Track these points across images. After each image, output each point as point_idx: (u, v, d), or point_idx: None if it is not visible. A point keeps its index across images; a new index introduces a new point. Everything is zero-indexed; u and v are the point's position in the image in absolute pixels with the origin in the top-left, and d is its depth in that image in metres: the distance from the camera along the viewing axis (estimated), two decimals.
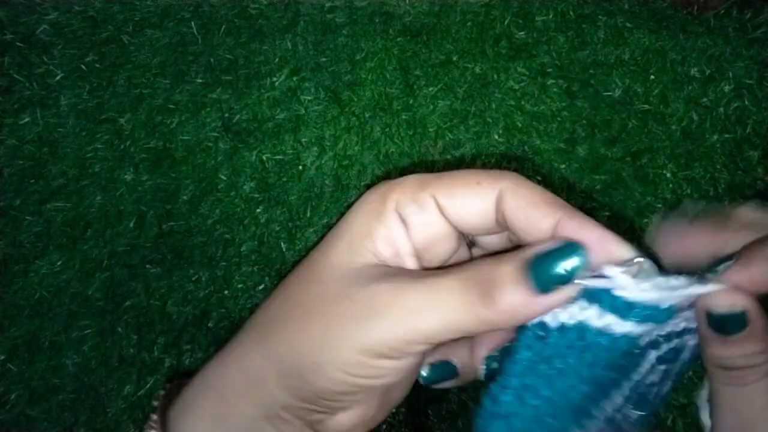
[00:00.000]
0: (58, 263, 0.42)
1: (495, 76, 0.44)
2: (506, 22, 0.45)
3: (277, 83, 0.44)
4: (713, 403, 0.26)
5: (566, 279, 0.23)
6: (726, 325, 0.24)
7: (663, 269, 0.24)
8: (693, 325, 0.26)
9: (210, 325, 0.42)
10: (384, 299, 0.24)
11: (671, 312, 0.24)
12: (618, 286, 0.23)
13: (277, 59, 0.44)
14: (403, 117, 0.44)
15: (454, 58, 0.44)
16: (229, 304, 0.42)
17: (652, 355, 0.26)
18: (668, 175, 0.43)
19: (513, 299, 0.23)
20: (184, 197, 0.43)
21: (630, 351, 0.25)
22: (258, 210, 0.43)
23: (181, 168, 0.43)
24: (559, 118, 0.44)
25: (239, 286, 0.43)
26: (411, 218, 0.26)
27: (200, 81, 0.44)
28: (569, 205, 0.24)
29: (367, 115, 0.44)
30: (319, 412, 0.26)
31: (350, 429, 0.27)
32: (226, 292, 0.43)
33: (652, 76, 0.44)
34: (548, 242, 0.23)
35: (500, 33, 0.45)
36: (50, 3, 0.44)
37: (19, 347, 0.41)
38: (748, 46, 0.44)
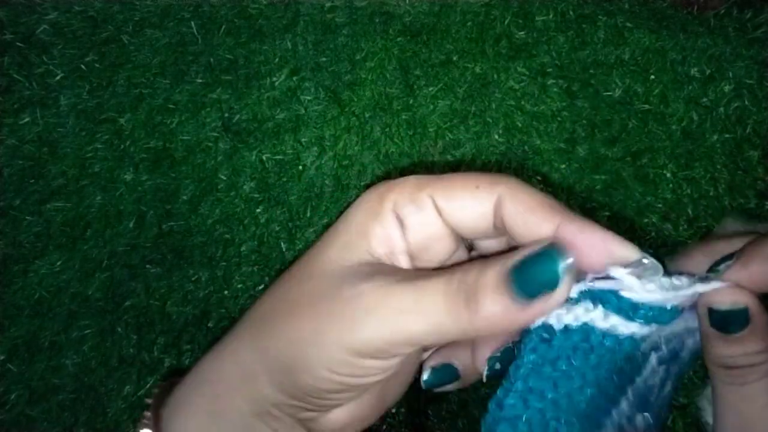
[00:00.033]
0: (58, 263, 0.42)
1: (495, 76, 0.44)
2: (506, 22, 0.45)
3: (277, 83, 0.44)
4: (714, 403, 0.26)
5: (550, 285, 0.22)
6: (728, 322, 0.25)
7: (666, 270, 0.24)
8: (691, 324, 0.26)
9: (210, 325, 0.42)
10: (371, 299, 0.24)
11: (675, 312, 0.24)
12: (624, 287, 0.22)
13: (277, 59, 0.44)
14: (403, 117, 0.44)
15: (454, 58, 0.44)
16: (229, 304, 0.42)
17: (653, 356, 0.26)
18: (668, 175, 0.43)
19: (494, 308, 0.22)
20: (184, 197, 0.43)
21: (633, 354, 0.25)
22: (258, 210, 0.43)
23: (181, 168, 0.43)
24: (559, 118, 0.44)
25: (239, 286, 0.43)
26: (408, 219, 0.26)
27: (200, 81, 0.44)
28: (569, 210, 0.24)
29: (367, 115, 0.44)
30: (309, 410, 0.26)
31: (343, 427, 0.27)
32: (226, 292, 0.43)
33: (653, 76, 0.44)
34: (530, 246, 0.23)
35: (500, 33, 0.45)
36: (50, 3, 0.44)
37: (19, 347, 0.41)
38: (748, 46, 0.44)
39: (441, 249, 0.27)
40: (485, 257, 0.29)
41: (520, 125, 0.44)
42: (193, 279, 0.42)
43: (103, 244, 0.42)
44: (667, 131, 0.43)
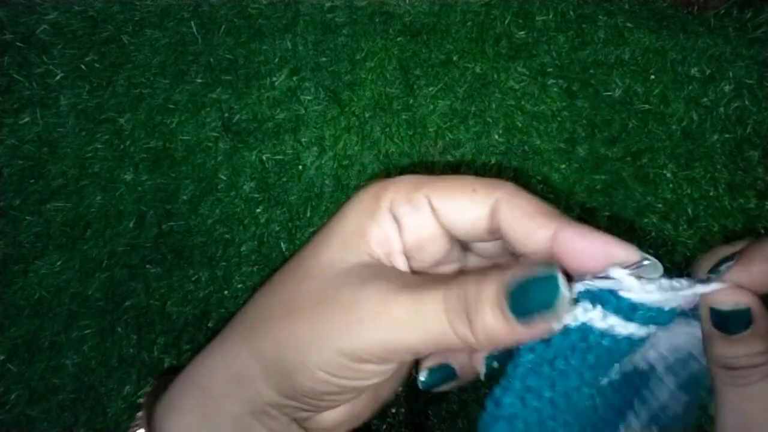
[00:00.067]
0: (58, 263, 0.42)
1: (495, 75, 0.44)
2: (506, 22, 0.45)
3: (277, 83, 0.44)
4: (715, 403, 0.26)
5: (549, 310, 0.22)
6: (730, 323, 0.24)
7: (666, 271, 0.24)
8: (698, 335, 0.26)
9: (210, 325, 0.42)
10: (369, 307, 0.23)
11: (673, 314, 0.24)
12: (623, 287, 0.22)
13: (277, 59, 0.44)
14: (403, 117, 0.44)
15: (454, 58, 0.44)
16: (229, 304, 0.42)
17: (670, 380, 0.26)
18: (668, 175, 0.43)
19: (492, 326, 0.22)
20: (184, 197, 0.43)
21: (641, 369, 0.25)
22: (258, 210, 0.43)
23: (181, 168, 0.43)
24: (559, 118, 0.44)
25: (239, 286, 0.43)
26: (404, 218, 0.26)
27: (200, 81, 0.44)
28: (566, 216, 0.24)
29: (367, 115, 0.44)
30: (306, 410, 0.26)
31: (337, 425, 0.27)
32: (226, 292, 0.42)
33: (653, 76, 0.44)
34: (528, 267, 0.23)
35: (500, 33, 0.45)
36: (50, 3, 0.44)
37: (19, 347, 0.41)
38: (748, 45, 0.44)
39: (436, 249, 0.27)
40: (482, 259, 0.29)
41: (520, 125, 0.44)
42: (193, 279, 0.42)
43: (103, 244, 0.42)
44: (667, 131, 0.43)
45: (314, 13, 0.45)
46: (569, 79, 0.44)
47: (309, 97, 0.44)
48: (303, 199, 0.43)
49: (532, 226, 0.24)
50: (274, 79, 0.44)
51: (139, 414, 0.28)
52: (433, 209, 0.26)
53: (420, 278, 0.25)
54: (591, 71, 0.44)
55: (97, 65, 0.44)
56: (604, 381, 0.26)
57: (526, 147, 0.44)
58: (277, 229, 0.43)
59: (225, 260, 0.43)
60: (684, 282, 0.24)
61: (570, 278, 0.23)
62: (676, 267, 0.42)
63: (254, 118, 0.44)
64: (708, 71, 0.44)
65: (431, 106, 0.44)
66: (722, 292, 0.24)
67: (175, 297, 0.42)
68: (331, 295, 0.24)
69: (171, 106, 0.43)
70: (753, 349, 0.24)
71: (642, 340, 0.24)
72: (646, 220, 0.43)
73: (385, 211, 0.26)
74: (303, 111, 0.44)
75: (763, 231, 0.42)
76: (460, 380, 0.28)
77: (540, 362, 0.24)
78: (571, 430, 0.25)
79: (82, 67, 0.43)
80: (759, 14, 0.44)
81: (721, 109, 0.43)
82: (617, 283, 0.23)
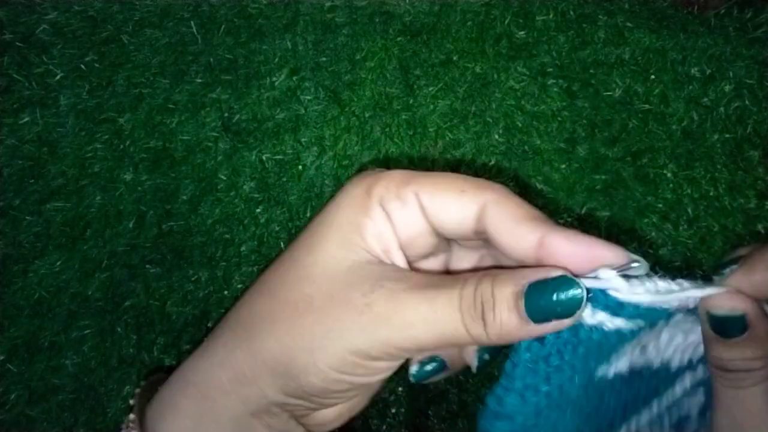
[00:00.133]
0: (58, 263, 0.42)
1: (495, 75, 0.44)
2: (506, 22, 0.45)
3: (276, 83, 0.44)
4: (712, 402, 0.26)
5: (561, 316, 0.23)
6: (726, 327, 0.25)
7: (662, 272, 0.24)
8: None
9: (210, 325, 0.42)
10: (382, 310, 0.24)
11: (663, 312, 0.24)
12: (612, 288, 0.23)
13: (276, 59, 0.44)
14: (403, 117, 0.44)
15: (454, 58, 0.44)
16: (229, 305, 0.42)
17: (687, 376, 0.27)
18: (669, 175, 0.43)
19: (507, 326, 0.23)
20: (184, 197, 0.43)
21: (658, 369, 0.25)
22: (258, 210, 0.43)
23: (180, 168, 0.43)
24: (559, 118, 0.44)
25: (239, 286, 0.43)
26: (394, 214, 0.26)
27: (200, 81, 0.44)
28: (552, 221, 0.24)
29: (367, 115, 0.44)
30: (311, 408, 0.26)
31: (334, 419, 0.28)
32: (226, 292, 0.42)
33: (653, 76, 0.44)
34: (545, 270, 0.23)
35: (500, 32, 0.45)
36: (50, 3, 0.44)
37: (19, 347, 0.41)
38: (748, 45, 0.44)
39: (424, 244, 0.27)
40: (467, 251, 0.29)
41: (520, 125, 0.44)
42: (193, 279, 0.42)
43: (103, 244, 0.42)
44: (667, 131, 0.43)
45: (314, 13, 0.45)
46: (569, 79, 0.44)
47: (309, 97, 0.44)
48: (303, 199, 0.43)
49: (519, 230, 0.24)
50: (274, 79, 0.44)
51: (131, 416, 0.28)
52: (420, 205, 0.26)
53: (428, 277, 0.25)
54: (591, 71, 0.44)
55: (97, 65, 0.44)
56: (604, 372, 0.26)
57: (526, 147, 0.44)
58: (277, 229, 0.43)
59: (225, 260, 0.43)
60: (685, 283, 0.24)
61: None
62: (676, 267, 0.42)
63: (254, 118, 0.44)
64: (708, 71, 0.44)
65: (431, 106, 0.44)
66: (719, 296, 0.25)
67: (175, 297, 0.42)
68: (342, 297, 0.24)
69: (171, 106, 0.43)
70: (748, 353, 0.25)
71: (632, 333, 0.25)
72: (646, 220, 0.43)
73: (377, 206, 0.26)
74: (303, 111, 0.44)
75: (763, 231, 0.42)
76: (449, 371, 0.29)
77: (536, 360, 0.25)
78: (564, 417, 0.25)
79: (82, 67, 0.43)
80: (759, 14, 0.44)
81: (722, 109, 0.43)
82: (605, 282, 0.23)
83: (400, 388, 0.42)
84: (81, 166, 0.43)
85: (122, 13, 0.44)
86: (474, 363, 0.28)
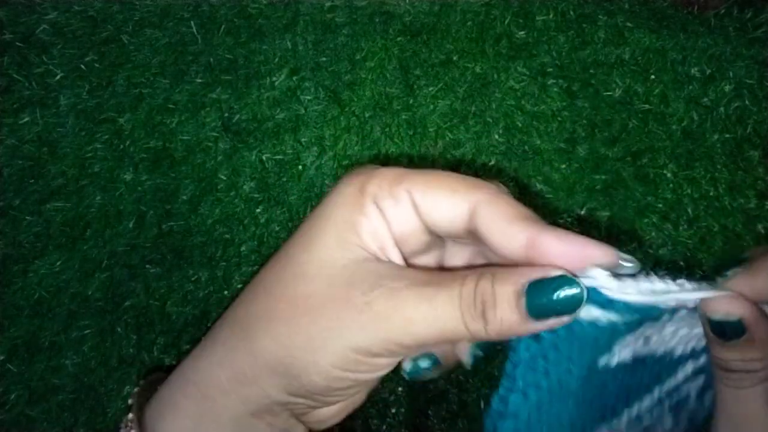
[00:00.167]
0: (58, 263, 0.42)
1: (495, 75, 0.44)
2: (506, 22, 0.45)
3: (276, 83, 0.44)
4: (715, 402, 0.27)
5: (560, 314, 0.23)
6: (724, 330, 0.25)
7: (663, 271, 0.24)
8: None
9: (210, 325, 0.42)
10: (382, 308, 0.24)
11: (657, 309, 0.25)
12: (603, 286, 0.24)
13: (276, 59, 0.44)
14: (403, 117, 0.44)
15: (454, 58, 0.44)
16: (229, 305, 0.42)
17: (689, 364, 0.27)
18: (669, 175, 0.43)
19: (508, 323, 0.23)
20: (184, 197, 0.43)
21: (662, 357, 0.26)
22: (258, 210, 0.43)
23: (180, 168, 0.43)
24: (559, 118, 0.44)
25: (239, 286, 0.43)
26: (387, 211, 0.26)
27: (200, 81, 0.44)
28: (544, 222, 0.25)
29: (367, 115, 0.44)
30: (313, 406, 0.26)
31: (333, 416, 0.28)
32: (225, 292, 0.42)
33: (653, 76, 0.44)
34: (544, 269, 0.24)
35: (500, 32, 0.45)
36: (50, 3, 0.44)
37: (19, 347, 0.41)
38: (748, 45, 0.44)
39: (417, 241, 0.27)
40: (459, 247, 0.30)
41: (520, 125, 0.44)
42: (193, 279, 0.42)
43: (103, 244, 0.42)
44: (667, 131, 0.43)
45: (314, 13, 0.45)
46: (569, 79, 0.44)
47: (309, 97, 0.44)
48: (303, 199, 0.43)
49: (510, 230, 0.24)
50: (274, 79, 0.44)
51: (130, 416, 0.28)
52: (413, 204, 0.26)
53: (426, 274, 0.26)
54: (591, 71, 0.44)
55: (97, 65, 0.44)
56: (606, 361, 0.27)
57: (526, 147, 0.44)
58: (277, 229, 0.43)
59: (225, 260, 0.43)
60: (686, 284, 0.24)
61: None
62: (677, 268, 0.42)
63: (254, 118, 0.44)
64: (708, 71, 0.44)
65: (431, 106, 0.44)
66: (716, 300, 0.25)
67: (175, 297, 0.42)
68: (341, 295, 0.25)
69: (171, 106, 0.43)
70: (747, 356, 0.25)
71: (629, 325, 0.26)
72: (646, 220, 0.43)
73: (371, 204, 0.26)
74: (303, 111, 0.44)
75: (763, 231, 0.42)
76: (443, 367, 0.29)
77: (535, 357, 0.25)
78: (566, 407, 0.26)
79: (82, 67, 0.43)
80: (759, 14, 0.44)
81: (722, 109, 0.43)
82: (597, 282, 0.24)
83: (400, 388, 0.42)
84: (81, 166, 0.43)
85: (122, 13, 0.44)
86: (467, 359, 0.29)
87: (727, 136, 0.43)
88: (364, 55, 0.44)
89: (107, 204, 0.42)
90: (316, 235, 0.26)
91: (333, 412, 0.28)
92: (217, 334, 0.28)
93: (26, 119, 0.43)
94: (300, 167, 0.43)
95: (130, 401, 0.29)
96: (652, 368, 0.28)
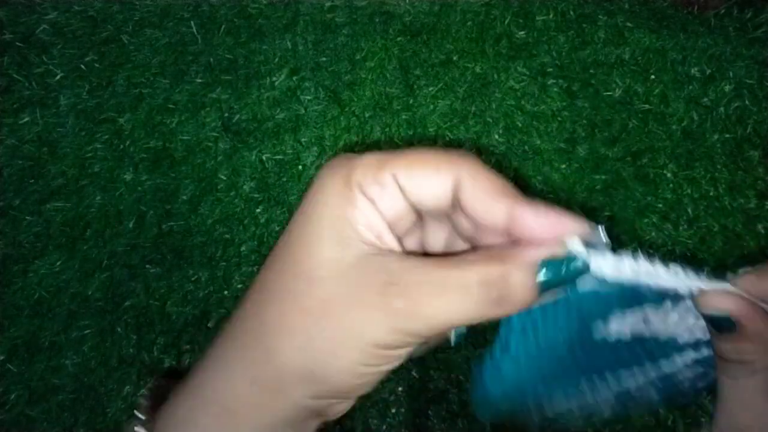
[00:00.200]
0: (58, 263, 0.42)
1: (495, 75, 0.44)
2: (506, 22, 0.45)
3: (276, 83, 0.44)
4: (717, 387, 0.27)
5: (566, 284, 0.25)
6: (717, 323, 0.26)
7: (649, 256, 0.26)
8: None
9: (210, 325, 0.42)
10: (399, 304, 0.25)
11: (649, 291, 0.27)
12: (583, 256, 0.26)
13: (276, 59, 0.44)
14: (403, 117, 0.44)
15: (454, 58, 0.44)
16: (229, 304, 0.42)
17: (690, 354, 0.28)
18: (669, 174, 0.43)
19: (522, 303, 0.25)
20: (184, 197, 0.43)
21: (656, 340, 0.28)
22: (258, 210, 0.43)
23: (180, 168, 0.43)
24: (559, 118, 0.44)
25: (239, 286, 0.43)
26: (377, 199, 0.26)
27: (200, 81, 0.44)
28: (522, 194, 0.26)
29: (367, 115, 0.44)
30: (337, 403, 0.27)
31: (347, 407, 0.28)
32: (226, 292, 0.42)
33: (653, 76, 0.44)
34: (553, 247, 0.25)
35: (500, 33, 0.45)
36: (50, 3, 0.44)
37: (19, 347, 0.41)
38: (748, 45, 0.44)
39: (406, 222, 0.28)
40: (440, 224, 0.30)
41: (520, 125, 0.44)
42: (193, 279, 0.42)
43: (103, 244, 0.42)
44: (667, 131, 0.43)
45: (314, 13, 0.45)
46: (569, 79, 0.44)
47: (309, 97, 0.44)
48: None
49: (490, 203, 0.26)
50: (274, 79, 0.44)
51: (141, 416, 0.28)
52: (399, 186, 0.26)
53: (434, 263, 0.26)
54: (591, 71, 0.44)
55: (97, 65, 0.44)
56: (604, 333, 0.29)
57: (526, 147, 0.44)
58: (277, 229, 0.43)
59: (225, 260, 0.43)
60: (682, 273, 0.27)
61: None
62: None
63: (254, 118, 0.44)
64: (708, 71, 0.44)
65: (431, 106, 0.44)
66: (708, 295, 0.26)
67: (175, 297, 0.42)
68: (355, 295, 0.25)
69: (171, 106, 0.43)
70: (740, 347, 0.26)
71: (620, 300, 0.27)
72: (646, 220, 0.43)
73: (359, 194, 0.26)
74: (303, 111, 0.44)
75: (763, 231, 0.42)
76: (427, 345, 0.29)
77: (524, 327, 0.28)
78: (551, 364, 0.29)
79: (82, 67, 0.43)
80: (759, 14, 0.44)
81: (722, 109, 0.43)
82: (578, 253, 0.26)
83: (400, 388, 0.42)
84: (81, 166, 0.43)
85: (122, 13, 0.44)
86: (452, 337, 0.30)
87: (727, 136, 0.43)
88: (364, 55, 0.44)
89: (107, 204, 0.42)
90: (314, 237, 0.26)
91: (349, 401, 0.28)
92: (230, 348, 0.28)
93: (26, 119, 0.43)
94: (300, 167, 0.43)
95: (141, 400, 0.29)
96: (649, 348, 0.29)
